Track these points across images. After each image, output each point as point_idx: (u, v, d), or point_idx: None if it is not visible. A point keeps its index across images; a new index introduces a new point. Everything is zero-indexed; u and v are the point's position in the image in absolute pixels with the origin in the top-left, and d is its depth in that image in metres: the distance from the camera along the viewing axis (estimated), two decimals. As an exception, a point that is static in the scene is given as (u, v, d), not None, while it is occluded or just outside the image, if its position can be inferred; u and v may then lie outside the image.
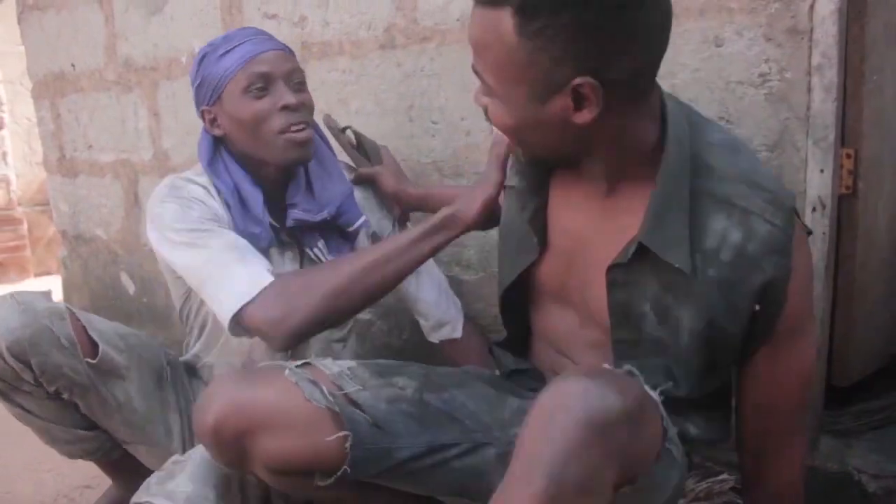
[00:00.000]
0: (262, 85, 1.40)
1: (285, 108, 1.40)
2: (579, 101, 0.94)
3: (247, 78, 1.40)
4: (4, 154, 5.53)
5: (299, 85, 1.46)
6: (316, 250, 1.50)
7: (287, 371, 1.09)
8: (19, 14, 2.90)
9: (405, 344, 1.92)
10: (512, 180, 1.23)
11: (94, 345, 1.42)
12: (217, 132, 1.46)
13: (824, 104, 1.37)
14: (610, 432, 0.82)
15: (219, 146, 1.48)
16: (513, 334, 1.32)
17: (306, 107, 1.45)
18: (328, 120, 1.68)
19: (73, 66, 2.74)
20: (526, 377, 1.28)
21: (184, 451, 1.52)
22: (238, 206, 1.43)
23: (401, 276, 1.31)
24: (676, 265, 0.98)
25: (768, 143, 1.41)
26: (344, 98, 1.97)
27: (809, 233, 1.09)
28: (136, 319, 2.68)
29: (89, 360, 1.41)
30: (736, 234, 0.98)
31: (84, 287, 2.98)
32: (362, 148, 1.69)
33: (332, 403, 1.06)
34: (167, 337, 2.46)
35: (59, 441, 1.50)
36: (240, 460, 1.08)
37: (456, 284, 1.89)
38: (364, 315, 2.01)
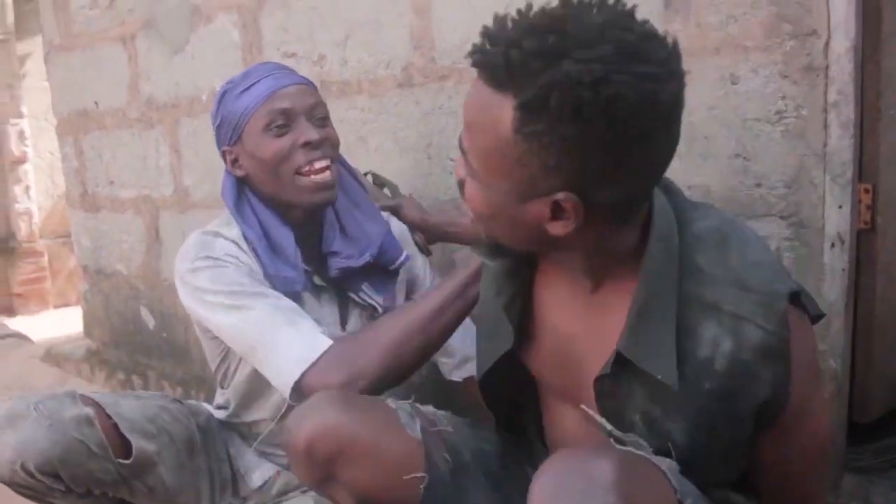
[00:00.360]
0: (283, 122, 1.35)
1: (307, 144, 1.35)
2: (557, 213, 0.88)
3: (267, 115, 1.35)
4: (27, 188, 5.62)
5: (322, 120, 1.40)
6: (363, 294, 1.45)
7: (388, 400, 1.12)
8: (46, 54, 2.97)
9: (424, 380, 1.93)
10: (484, 257, 1.12)
11: (126, 442, 1.37)
12: (239, 173, 1.41)
13: (841, 141, 1.37)
14: None
15: (243, 187, 1.43)
16: (501, 417, 1.25)
17: (330, 142, 1.39)
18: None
19: (96, 104, 2.80)
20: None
21: None
22: (267, 251, 1.37)
23: (456, 324, 1.28)
24: (658, 377, 0.92)
25: (785, 180, 1.42)
26: (363, 136, 1.99)
27: (820, 316, 1.01)
28: (156, 354, 2.71)
29: (122, 461, 1.36)
30: (727, 342, 0.92)
31: (105, 321, 3.01)
32: (381, 185, 1.70)
33: (422, 440, 1.08)
34: (185, 372, 2.48)
35: None
36: (325, 481, 1.09)
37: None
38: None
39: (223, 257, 1.35)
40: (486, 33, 0.87)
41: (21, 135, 5.54)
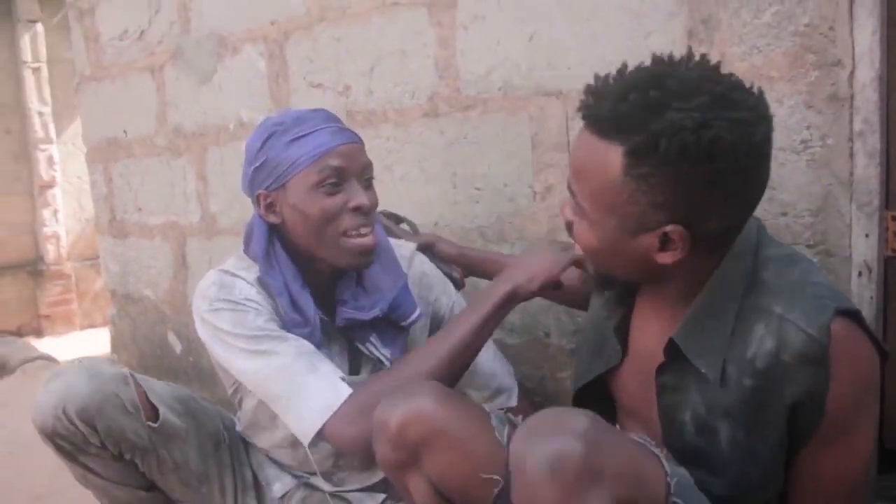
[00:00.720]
0: (336, 181, 1.31)
1: (357, 209, 1.32)
2: (665, 244, 0.98)
3: (319, 173, 1.30)
4: (55, 211, 5.72)
5: (369, 181, 1.38)
6: (369, 345, 1.43)
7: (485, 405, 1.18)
8: (77, 84, 3.03)
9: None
10: (600, 287, 1.25)
11: (155, 409, 1.44)
12: (273, 220, 1.36)
13: (867, 169, 1.38)
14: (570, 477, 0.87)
15: (272, 235, 1.38)
16: None
17: (374, 207, 1.38)
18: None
19: (125, 132, 2.85)
20: None
21: None
22: (288, 305, 1.36)
23: (474, 358, 1.31)
24: (703, 370, 1.01)
25: (811, 209, 1.42)
26: (389, 165, 2.01)
27: (886, 353, 1.02)
28: (183, 378, 2.73)
29: (151, 423, 1.42)
30: (770, 341, 0.98)
31: (132, 345, 3.04)
32: (398, 221, 1.70)
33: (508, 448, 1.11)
34: (213, 395, 2.50)
35: (118, 501, 1.52)
36: (406, 465, 1.13)
37: (500, 349, 1.90)
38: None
39: (243, 301, 1.35)
40: (590, 90, 0.99)
41: (50, 160, 5.65)
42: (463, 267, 1.64)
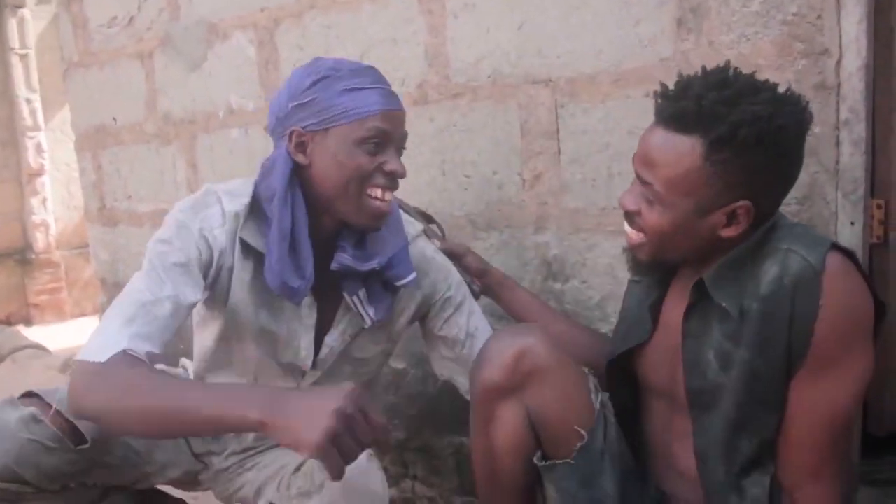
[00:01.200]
0: (379, 142, 1.30)
1: (391, 174, 1.32)
2: (731, 220, 1.14)
3: (368, 130, 1.29)
4: (44, 200, 5.69)
5: (402, 151, 1.38)
6: (356, 298, 1.40)
7: (588, 372, 1.32)
8: (65, 71, 3.01)
9: (440, 393, 1.94)
10: (637, 276, 1.37)
11: (78, 431, 1.31)
12: (301, 160, 1.32)
13: (853, 158, 1.39)
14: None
15: (293, 176, 1.33)
16: (618, 406, 1.36)
17: (404, 176, 1.37)
18: (402, 203, 1.63)
19: (114, 119, 2.84)
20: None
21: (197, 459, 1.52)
22: (286, 254, 1.30)
23: (195, 433, 1.32)
24: (723, 304, 1.15)
25: (798, 197, 1.43)
26: (378, 152, 2.01)
27: (883, 304, 1.15)
28: (172, 364, 2.73)
29: (81, 446, 1.30)
30: (775, 269, 1.12)
31: (123, 333, 3.04)
32: (431, 221, 1.69)
33: (598, 411, 1.26)
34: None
35: None
36: (509, 391, 1.24)
37: (489, 334, 1.91)
38: (398, 364, 2.04)
39: (193, 229, 1.31)
40: (665, 94, 1.17)
41: (38, 147, 5.62)
42: (484, 283, 1.63)
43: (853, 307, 1.11)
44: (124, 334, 1.20)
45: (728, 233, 1.15)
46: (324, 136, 1.30)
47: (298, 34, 2.16)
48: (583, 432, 1.23)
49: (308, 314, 1.42)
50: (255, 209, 1.37)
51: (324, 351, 1.45)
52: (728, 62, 1.18)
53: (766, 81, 1.17)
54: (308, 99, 1.30)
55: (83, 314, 5.72)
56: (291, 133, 1.31)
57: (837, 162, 1.40)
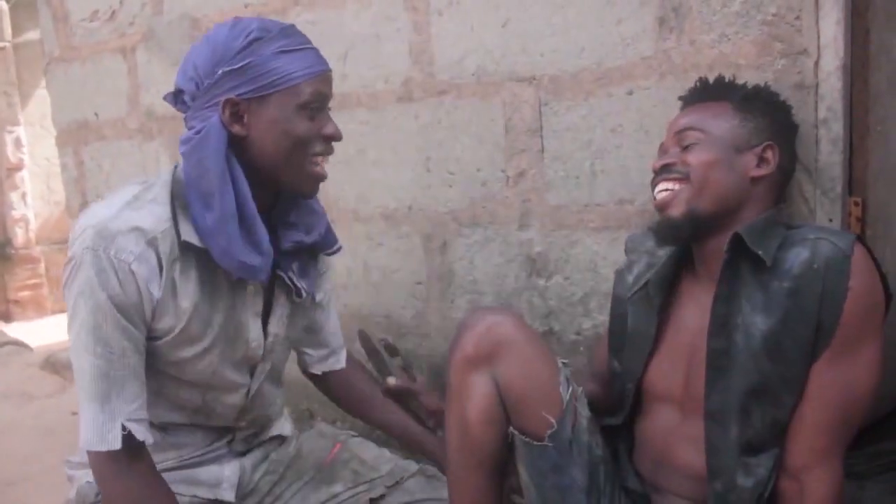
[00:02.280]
0: (318, 106, 1.22)
1: (330, 138, 1.25)
2: (761, 161, 1.27)
3: (311, 94, 1.20)
4: (24, 194, 5.63)
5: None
6: (291, 274, 1.33)
7: (560, 361, 1.33)
8: (45, 65, 2.98)
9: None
10: (643, 279, 1.41)
11: None
12: (238, 131, 1.19)
13: (831, 156, 1.41)
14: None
15: (228, 153, 1.19)
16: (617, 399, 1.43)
17: (340, 138, 1.30)
18: (362, 335, 1.61)
19: (96, 114, 2.82)
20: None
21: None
22: (238, 232, 1.19)
23: None
24: (759, 252, 1.19)
25: (777, 194, 1.45)
26: (362, 149, 2.02)
27: (890, 295, 1.20)
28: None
29: None
30: (805, 253, 1.17)
31: (105, 329, 3.02)
32: (394, 354, 1.61)
33: (566, 403, 1.28)
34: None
35: None
36: (481, 360, 1.28)
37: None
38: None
39: (115, 266, 1.15)
40: (702, 81, 1.37)
41: (17, 142, 5.56)
42: (438, 424, 1.55)
43: (876, 292, 1.17)
44: (108, 417, 1.17)
45: (758, 172, 1.27)
46: (261, 103, 1.19)
47: (282, 30, 2.16)
48: (551, 419, 1.25)
49: (254, 302, 1.32)
50: (178, 199, 1.23)
51: (269, 339, 1.36)
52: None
53: None
54: (241, 64, 1.18)
55: (63, 310, 5.62)
56: (224, 103, 1.18)
57: (816, 160, 1.42)
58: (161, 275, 1.19)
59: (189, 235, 1.20)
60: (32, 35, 5.19)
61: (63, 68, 2.90)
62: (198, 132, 1.19)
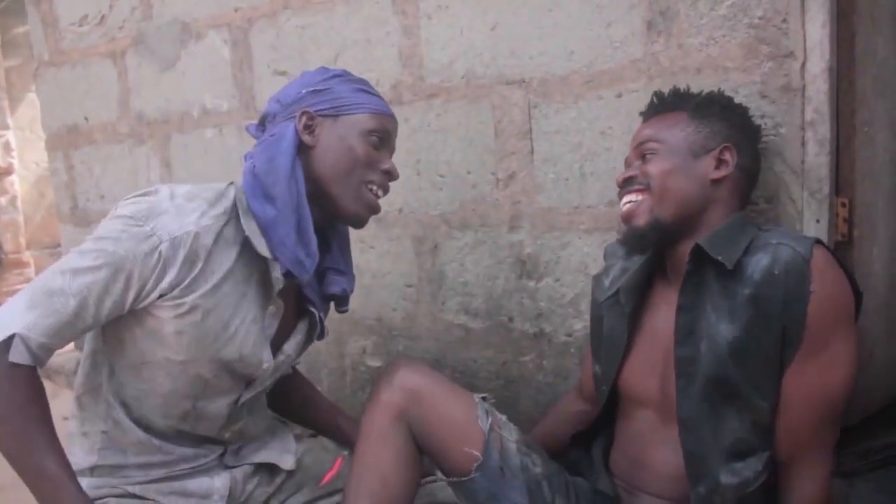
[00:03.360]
0: (381, 139, 1.34)
1: (387, 172, 1.35)
2: (720, 164, 1.30)
3: (375, 124, 1.33)
4: (14, 199, 5.61)
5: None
6: (322, 314, 1.44)
7: (477, 397, 1.38)
8: (35, 70, 2.98)
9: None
10: (615, 286, 1.45)
11: None
12: (308, 140, 1.30)
13: (818, 157, 1.42)
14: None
15: (296, 157, 1.30)
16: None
17: (396, 179, 1.41)
18: None
19: (86, 119, 2.82)
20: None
21: None
22: (293, 228, 1.26)
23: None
24: (719, 258, 1.21)
25: (765, 196, 1.46)
26: (353, 152, 2.02)
27: (859, 293, 1.21)
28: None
29: None
30: (766, 259, 1.19)
31: (96, 334, 3.01)
32: None
33: (487, 433, 1.33)
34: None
35: None
36: (398, 408, 1.32)
37: (464, 332, 1.93)
38: (374, 362, 2.05)
39: (147, 238, 1.18)
40: (658, 94, 1.40)
41: (7, 146, 5.54)
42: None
43: (840, 293, 1.17)
44: (23, 319, 1.14)
45: (716, 175, 1.29)
46: (334, 121, 1.32)
47: (272, 34, 2.17)
48: (476, 453, 1.30)
49: (269, 324, 1.34)
50: (239, 203, 1.29)
51: (279, 358, 1.38)
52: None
53: None
54: (324, 87, 1.33)
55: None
56: (302, 114, 1.31)
57: (803, 161, 1.43)
58: (189, 267, 1.21)
59: (251, 232, 1.26)
60: (22, 39, 5.18)
61: (53, 72, 2.90)
62: (272, 135, 1.31)
